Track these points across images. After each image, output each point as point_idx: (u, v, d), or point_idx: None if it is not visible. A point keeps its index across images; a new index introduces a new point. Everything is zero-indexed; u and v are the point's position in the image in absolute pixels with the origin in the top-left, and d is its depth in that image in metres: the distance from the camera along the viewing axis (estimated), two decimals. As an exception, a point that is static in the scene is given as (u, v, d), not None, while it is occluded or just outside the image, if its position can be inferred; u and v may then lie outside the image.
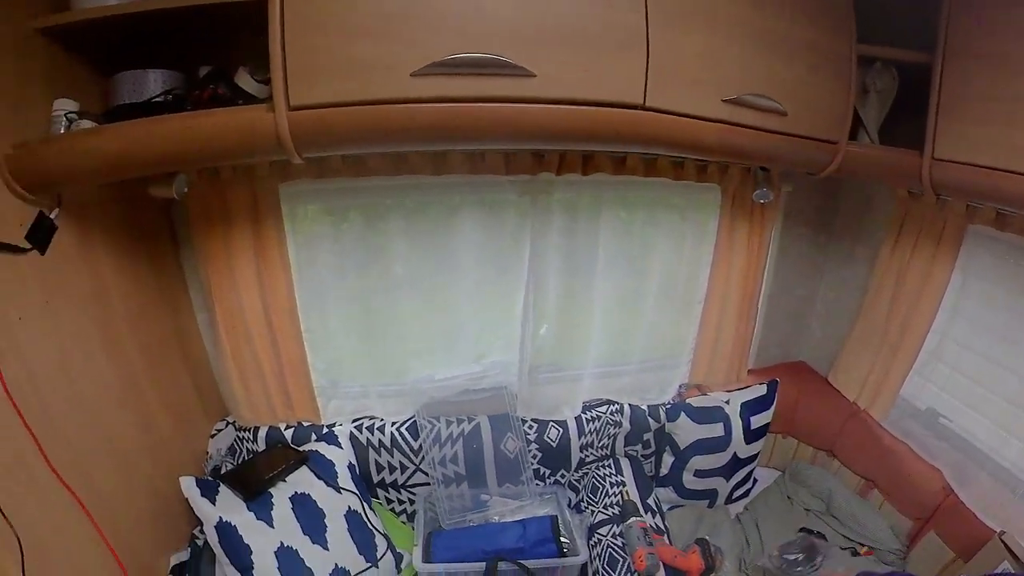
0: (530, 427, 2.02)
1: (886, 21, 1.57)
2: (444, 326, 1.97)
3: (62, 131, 1.28)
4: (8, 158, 1.20)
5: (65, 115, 1.28)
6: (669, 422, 2.12)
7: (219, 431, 1.97)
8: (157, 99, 1.34)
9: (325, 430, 1.90)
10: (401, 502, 1.99)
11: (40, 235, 1.31)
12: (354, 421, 1.95)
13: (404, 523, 2.01)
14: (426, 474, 1.93)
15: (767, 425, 2.19)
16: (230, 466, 1.86)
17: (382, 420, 1.95)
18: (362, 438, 1.91)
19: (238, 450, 1.91)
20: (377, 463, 1.92)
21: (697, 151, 1.56)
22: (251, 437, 1.89)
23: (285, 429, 1.90)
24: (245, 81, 1.31)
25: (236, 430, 1.94)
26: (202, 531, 1.69)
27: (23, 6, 1.21)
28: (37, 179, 1.25)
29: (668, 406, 2.16)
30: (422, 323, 1.95)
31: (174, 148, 1.24)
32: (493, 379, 2.04)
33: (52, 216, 1.34)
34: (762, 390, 2.19)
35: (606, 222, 1.94)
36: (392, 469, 1.93)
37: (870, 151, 1.68)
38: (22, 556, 1.20)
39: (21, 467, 1.26)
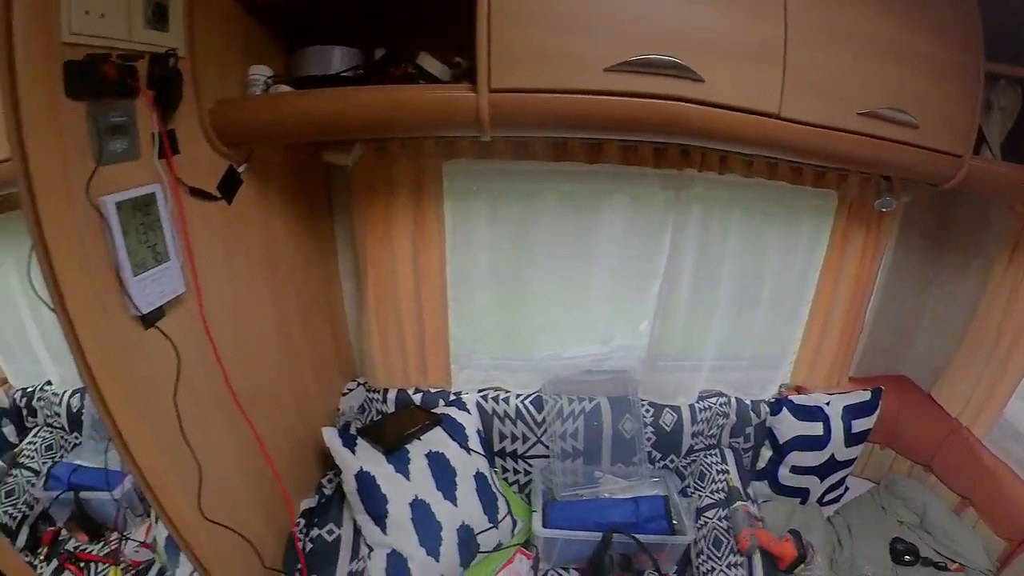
0: (647, 410, 1.94)
1: (1013, 40, 1.47)
2: (578, 308, 1.91)
3: (258, 93, 1.30)
4: (212, 112, 1.22)
5: (264, 79, 1.31)
6: (772, 416, 2.01)
7: (350, 390, 1.96)
8: (346, 73, 1.34)
9: (453, 397, 1.85)
10: (516, 472, 1.92)
11: (228, 187, 1.33)
12: (480, 391, 1.90)
13: (515, 492, 1.94)
14: (547, 447, 1.86)
15: (868, 431, 2.05)
16: (359, 423, 1.84)
17: (507, 392, 1.90)
18: (488, 407, 1.85)
19: (367, 409, 1.89)
20: (500, 432, 1.86)
21: (828, 160, 1.50)
22: (381, 398, 1.87)
23: (414, 393, 1.86)
24: (430, 63, 1.29)
25: (367, 391, 1.92)
26: (330, 480, 1.70)
27: (227, -22, 1.22)
28: (235, 134, 1.28)
29: (771, 401, 2.04)
30: (558, 303, 1.88)
31: (375, 117, 1.24)
32: (616, 362, 1.96)
33: (240, 171, 1.35)
34: (866, 396, 2.06)
35: (734, 221, 1.86)
36: (514, 439, 1.87)
37: (993, 166, 1.56)
38: (200, 481, 1.22)
39: (212, 397, 1.29)
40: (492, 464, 1.84)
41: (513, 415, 1.84)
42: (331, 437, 1.53)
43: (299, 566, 1.46)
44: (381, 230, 1.68)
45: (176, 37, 1.12)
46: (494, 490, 1.72)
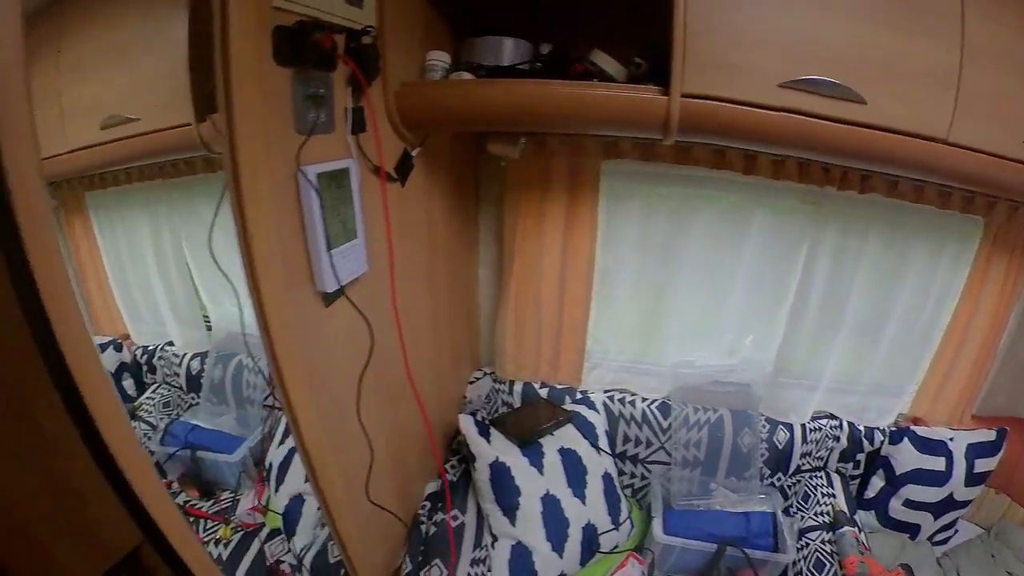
0: (764, 426, 1.76)
1: None
2: (711, 317, 1.75)
3: (437, 79, 1.23)
4: (397, 94, 1.15)
5: (442, 66, 1.23)
6: (890, 445, 1.77)
7: (477, 379, 1.86)
8: (521, 66, 1.24)
9: (580, 395, 1.73)
10: (633, 476, 1.77)
11: (403, 170, 1.25)
12: (606, 391, 1.76)
13: (628, 496, 1.80)
14: (668, 454, 1.71)
15: (988, 473, 1.78)
16: (484, 412, 1.75)
17: (634, 395, 1.75)
18: (614, 408, 1.71)
19: (493, 400, 1.79)
20: (625, 435, 1.71)
21: (989, 188, 1.34)
22: (507, 390, 1.76)
23: (540, 388, 1.74)
24: (606, 61, 1.18)
25: (493, 381, 1.82)
26: (452, 466, 1.62)
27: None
28: (415, 117, 1.20)
29: (891, 430, 1.81)
30: (694, 311, 1.73)
31: (559, 112, 1.14)
32: (741, 374, 1.78)
33: (413, 155, 1.27)
34: (991, 435, 1.77)
35: (870, 241, 1.64)
36: (637, 443, 1.72)
37: None
38: (372, 463, 1.16)
39: (392, 379, 1.26)
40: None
41: (639, 419, 1.70)
42: (468, 425, 1.45)
43: (422, 548, 1.38)
44: (532, 223, 1.58)
45: (369, 15, 1.03)
46: (619, 491, 1.61)
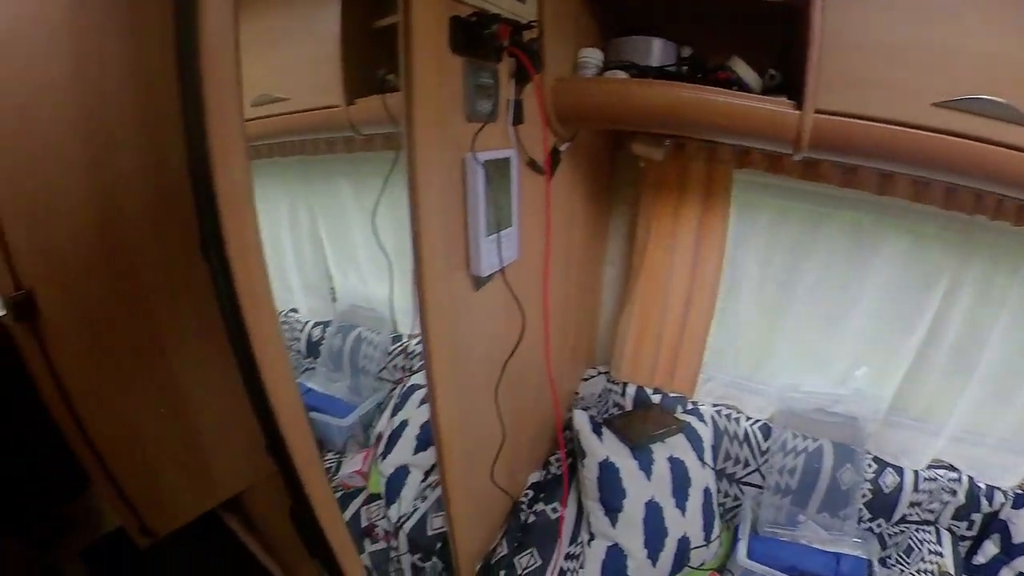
0: (869, 465, 1.64)
1: None
2: (828, 341, 1.65)
3: (589, 76, 1.24)
4: (553, 88, 1.19)
5: (595, 63, 1.25)
6: (1012, 508, 1.60)
7: (591, 377, 1.85)
8: (669, 67, 1.23)
9: (691, 405, 1.69)
10: (726, 495, 1.71)
11: (552, 163, 1.27)
12: (715, 405, 1.71)
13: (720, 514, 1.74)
14: (763, 477, 1.64)
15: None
16: (595, 411, 1.76)
17: (739, 412, 1.69)
18: (720, 423, 1.66)
19: (605, 400, 1.78)
20: (727, 451, 1.66)
21: None
22: (620, 392, 1.75)
23: (652, 393, 1.71)
24: (744, 70, 1.16)
25: (607, 381, 1.81)
26: (557, 459, 1.64)
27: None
28: (568, 113, 1.23)
29: (1016, 492, 1.65)
30: (811, 332, 1.64)
31: (702, 118, 1.12)
32: (850, 406, 1.66)
33: (562, 149, 1.29)
34: None
35: (1020, 280, 1.48)
36: (736, 462, 1.66)
37: None
38: (502, 445, 1.20)
39: (531, 364, 1.30)
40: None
41: (741, 437, 1.64)
42: (582, 421, 1.46)
43: (519, 535, 1.41)
44: (667, 227, 1.57)
45: (531, 10, 1.07)
46: (715, 508, 1.57)
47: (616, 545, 1.38)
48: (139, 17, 1.07)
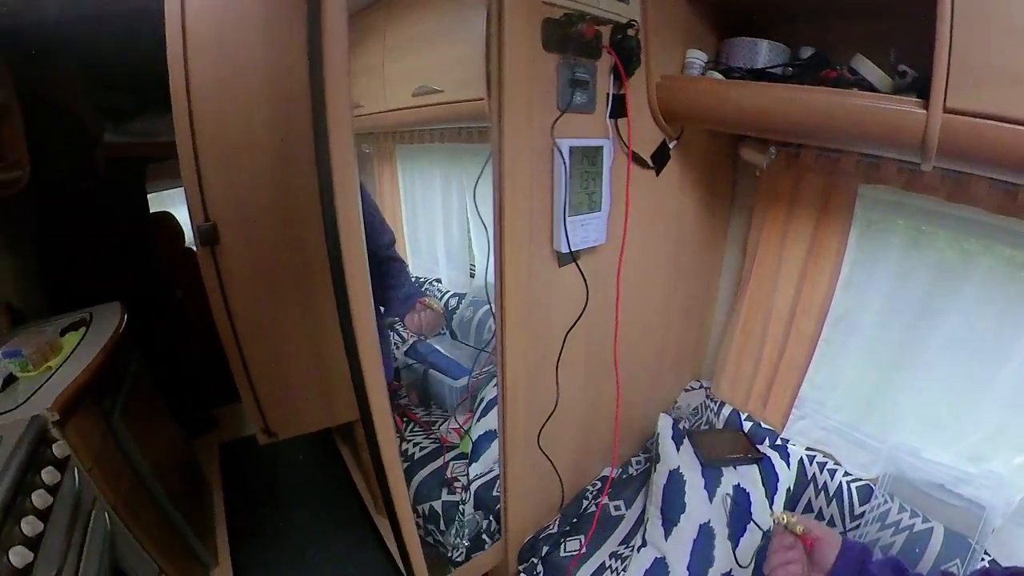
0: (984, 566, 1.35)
1: None
2: (962, 406, 1.39)
3: (695, 75, 1.28)
4: (658, 86, 1.25)
5: (701, 63, 1.28)
6: None
7: (692, 389, 1.84)
8: (773, 69, 1.21)
9: (779, 441, 1.56)
10: None
11: (659, 159, 1.33)
12: (808, 448, 1.56)
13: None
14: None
15: None
16: (689, 423, 1.74)
17: (837, 465, 1.51)
18: (809, 470, 1.51)
19: (700, 415, 1.76)
20: (810, 503, 1.50)
21: None
22: (715, 409, 1.70)
23: (745, 419, 1.64)
24: (867, 68, 1.07)
25: (706, 396, 1.78)
26: (638, 461, 1.69)
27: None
28: (673, 110, 1.28)
29: None
30: (941, 390, 1.40)
31: (802, 119, 1.08)
32: (976, 491, 1.36)
33: (671, 146, 1.34)
34: None
35: None
36: (818, 518, 1.49)
37: None
38: (552, 412, 1.27)
39: (595, 345, 1.36)
40: None
41: (832, 492, 1.46)
42: (666, 425, 1.48)
43: (574, 520, 1.47)
44: (775, 241, 1.50)
45: (634, 10, 1.14)
46: None
47: (663, 559, 1.36)
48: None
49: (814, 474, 1.49)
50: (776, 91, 1.10)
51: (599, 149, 1.13)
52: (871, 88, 1.05)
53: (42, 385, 1.41)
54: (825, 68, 1.11)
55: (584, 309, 1.23)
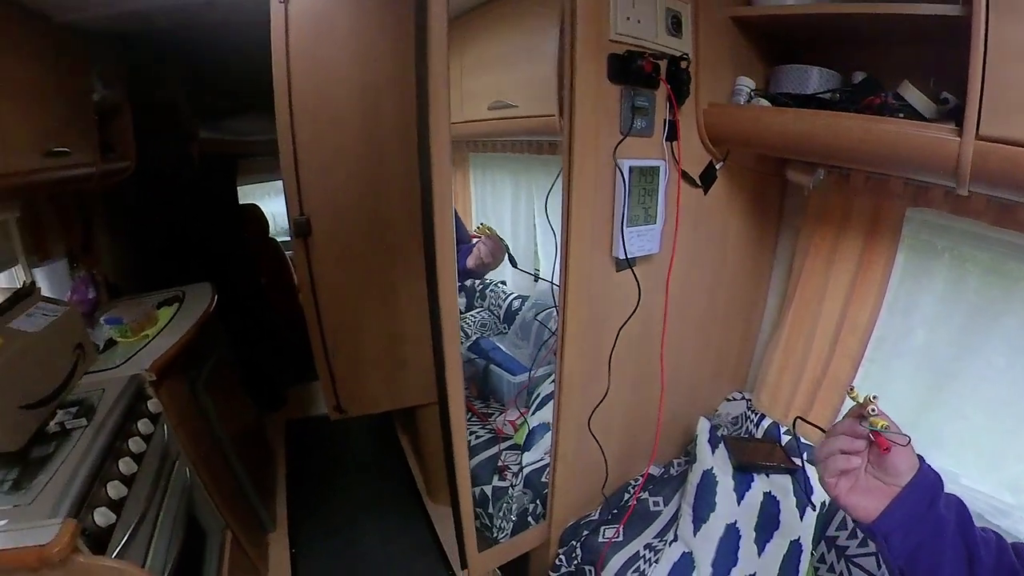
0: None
1: None
2: (1008, 433, 1.39)
3: (742, 102, 1.40)
4: (706, 112, 1.39)
5: (747, 91, 1.40)
6: None
7: (734, 399, 1.94)
8: (822, 95, 1.30)
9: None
10: (831, 568, 1.55)
11: (707, 179, 1.46)
12: None
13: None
14: (879, 565, 1.44)
15: None
16: (728, 431, 1.83)
17: None
18: None
19: (740, 424, 1.85)
20: (844, 519, 1.53)
21: None
22: (755, 420, 1.80)
23: (783, 432, 1.72)
24: (912, 94, 1.13)
25: (747, 407, 1.87)
26: (679, 463, 1.81)
27: (727, -2, 1.35)
28: (719, 135, 1.41)
29: None
30: (980, 417, 1.43)
31: (843, 145, 1.15)
32: (1016, 523, 1.37)
33: (717, 167, 1.47)
34: None
35: None
36: (853, 535, 1.51)
37: None
38: (602, 400, 1.45)
39: (643, 343, 1.51)
40: (815, 546, 1.56)
41: None
42: (703, 428, 1.58)
43: (614, 512, 1.61)
44: (822, 261, 1.58)
45: (686, 44, 1.31)
46: (802, 568, 1.47)
47: (690, 554, 1.45)
48: (400, 21, 1.64)
49: None
50: (815, 117, 1.19)
51: (656, 169, 1.29)
52: (916, 114, 1.12)
53: (139, 350, 1.68)
54: (874, 93, 1.18)
55: (636, 308, 1.38)
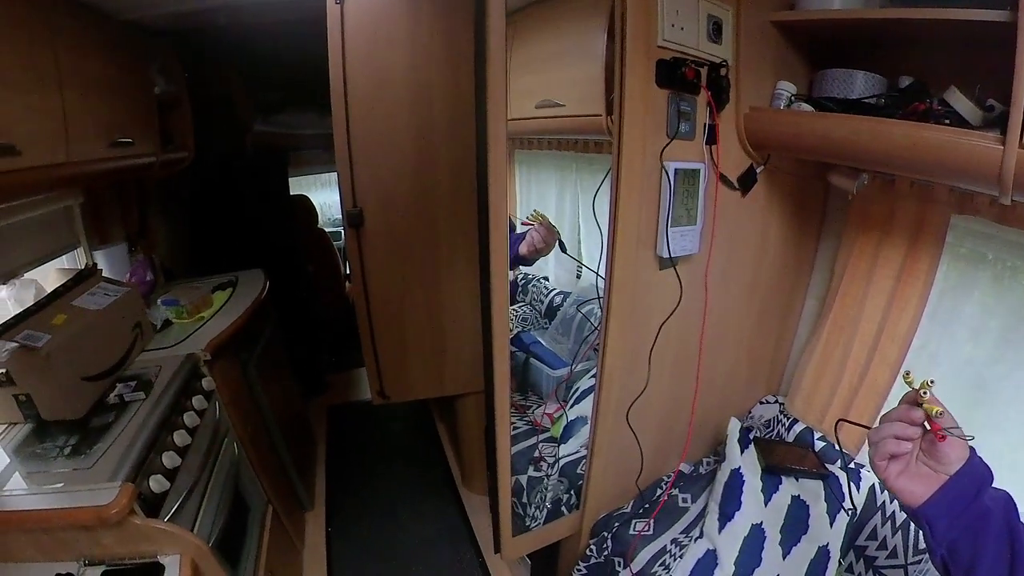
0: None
1: None
2: None
3: (782, 107, 1.42)
4: (746, 117, 1.43)
5: (788, 95, 1.42)
6: None
7: (767, 402, 1.96)
8: (867, 100, 1.31)
9: (852, 464, 1.64)
10: None
11: (746, 182, 1.50)
12: None
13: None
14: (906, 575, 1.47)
15: None
16: (760, 433, 1.86)
17: None
18: (879, 496, 1.56)
19: (772, 428, 1.88)
20: (874, 531, 1.54)
21: None
22: (787, 425, 1.82)
23: (817, 438, 1.74)
24: (958, 100, 1.11)
25: (779, 411, 1.89)
26: (708, 463, 1.85)
27: (767, 3, 1.38)
28: (759, 139, 1.45)
29: None
30: (1018, 431, 1.41)
31: (886, 151, 1.16)
32: None
33: (758, 171, 1.51)
34: None
35: None
36: (882, 547, 1.52)
37: None
38: (640, 394, 1.53)
39: (681, 339, 1.56)
40: (843, 555, 1.57)
41: (898, 523, 1.50)
42: (734, 428, 1.63)
43: (646, 506, 1.67)
44: (864, 266, 1.59)
45: (726, 50, 1.36)
46: (828, 574, 1.48)
47: (714, 551, 1.49)
48: (453, 26, 1.74)
49: (883, 502, 1.54)
50: (857, 123, 1.20)
51: (697, 171, 1.35)
52: (962, 121, 1.11)
53: (195, 331, 1.81)
54: (920, 98, 1.18)
55: (677, 306, 1.44)
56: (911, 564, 1.46)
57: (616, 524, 1.61)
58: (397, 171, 1.85)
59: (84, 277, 1.64)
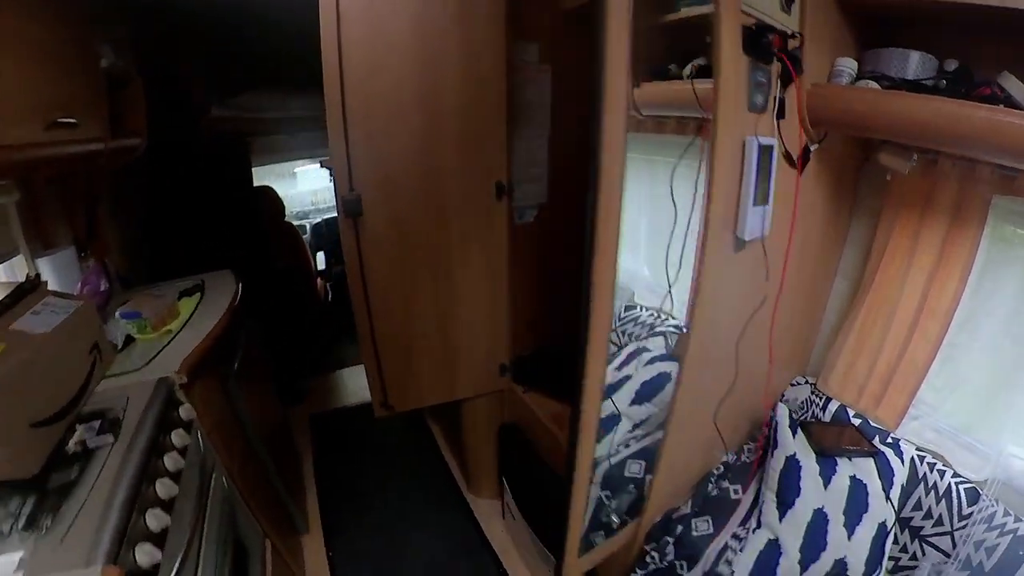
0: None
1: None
2: None
3: (844, 83, 1.38)
4: (809, 92, 1.37)
5: (849, 72, 1.39)
6: None
7: (797, 384, 1.94)
8: (926, 81, 1.29)
9: (891, 439, 1.65)
10: (904, 549, 1.58)
11: (803, 160, 1.44)
12: (918, 449, 1.64)
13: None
14: (954, 544, 1.48)
15: None
16: (795, 416, 1.82)
17: (945, 466, 1.57)
18: (920, 470, 1.58)
19: (806, 410, 1.86)
20: (919, 501, 1.56)
21: None
22: (821, 404, 1.81)
23: (853, 416, 1.74)
24: (1013, 85, 1.15)
25: (811, 392, 1.88)
26: (750, 449, 1.78)
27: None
28: (820, 116, 1.39)
29: None
30: None
31: (955, 133, 1.16)
32: None
33: (812, 148, 1.45)
34: None
35: None
36: (927, 516, 1.55)
37: None
38: (731, 386, 1.47)
39: (762, 325, 1.47)
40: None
41: (941, 492, 1.53)
42: (783, 415, 1.60)
43: (701, 502, 1.60)
44: (905, 244, 1.59)
45: (795, 21, 1.29)
46: (886, 549, 1.50)
47: (776, 540, 1.47)
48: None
49: (924, 473, 1.57)
50: (940, 105, 1.18)
51: (770, 148, 1.28)
52: (1017, 106, 1.14)
53: (163, 348, 1.51)
54: (971, 83, 1.21)
55: (765, 298, 1.38)
56: (957, 529, 1.49)
57: (679, 527, 1.53)
58: (403, 153, 1.61)
59: (25, 292, 1.27)
